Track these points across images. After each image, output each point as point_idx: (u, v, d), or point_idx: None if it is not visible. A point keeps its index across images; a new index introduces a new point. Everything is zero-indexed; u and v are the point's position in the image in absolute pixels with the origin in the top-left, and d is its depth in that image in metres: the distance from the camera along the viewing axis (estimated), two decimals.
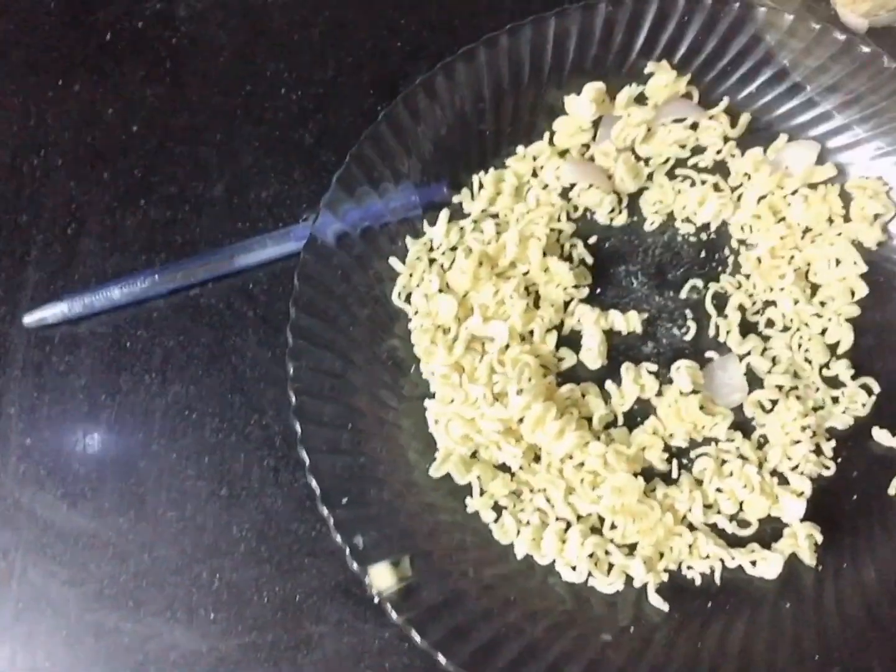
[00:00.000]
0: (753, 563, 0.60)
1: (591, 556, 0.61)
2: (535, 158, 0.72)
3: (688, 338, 0.67)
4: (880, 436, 0.63)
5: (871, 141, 0.69)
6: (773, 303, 0.67)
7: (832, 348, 0.66)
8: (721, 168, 0.71)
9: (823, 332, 0.66)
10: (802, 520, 0.60)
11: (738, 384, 0.65)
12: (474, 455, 0.64)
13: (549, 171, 0.71)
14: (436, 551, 0.60)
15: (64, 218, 0.75)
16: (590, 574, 0.60)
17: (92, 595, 0.65)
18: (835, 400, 0.64)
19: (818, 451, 0.63)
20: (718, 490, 0.62)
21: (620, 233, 0.71)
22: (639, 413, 0.65)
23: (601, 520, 0.62)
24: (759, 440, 0.64)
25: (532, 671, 0.56)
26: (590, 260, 0.69)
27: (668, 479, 0.63)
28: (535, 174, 0.72)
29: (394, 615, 0.57)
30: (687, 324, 0.67)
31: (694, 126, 0.71)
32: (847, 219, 0.68)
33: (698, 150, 0.72)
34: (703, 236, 0.70)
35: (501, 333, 0.65)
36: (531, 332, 0.67)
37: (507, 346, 0.65)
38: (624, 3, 0.71)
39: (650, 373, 0.66)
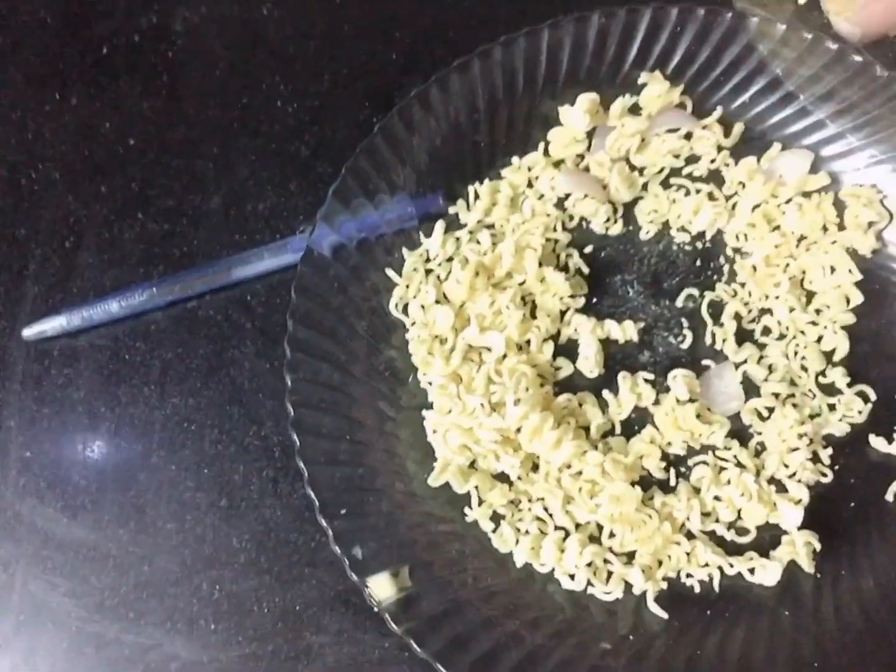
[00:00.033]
0: (752, 570, 0.60)
1: (589, 564, 0.61)
2: (530, 169, 0.72)
3: (684, 346, 0.67)
4: (877, 443, 0.63)
5: (864, 149, 0.69)
6: (769, 311, 0.68)
7: (828, 356, 0.66)
8: (715, 177, 0.71)
9: (819, 339, 0.66)
10: (800, 527, 0.61)
11: (735, 392, 0.65)
12: (473, 465, 0.64)
13: (545, 181, 0.71)
14: (435, 561, 0.60)
15: (62, 231, 0.75)
16: (589, 582, 0.60)
17: (92, 606, 0.65)
18: (831, 407, 0.65)
19: (815, 458, 0.63)
20: (716, 498, 0.62)
21: (616, 242, 0.71)
22: (636, 422, 0.66)
23: (600, 528, 0.62)
24: (756, 448, 0.64)
25: None
26: (586, 270, 0.70)
27: (666, 487, 0.64)
28: (530, 185, 0.72)
29: (393, 625, 0.57)
30: (683, 332, 0.68)
31: (688, 136, 0.71)
32: (841, 227, 0.69)
33: (692, 159, 0.72)
34: (699, 245, 0.70)
35: (498, 343, 0.65)
36: (528, 342, 0.67)
37: (504, 356, 0.65)
38: (617, 15, 0.71)
39: (647, 381, 0.66)
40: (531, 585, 0.61)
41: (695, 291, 0.69)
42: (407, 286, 0.68)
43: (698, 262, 0.70)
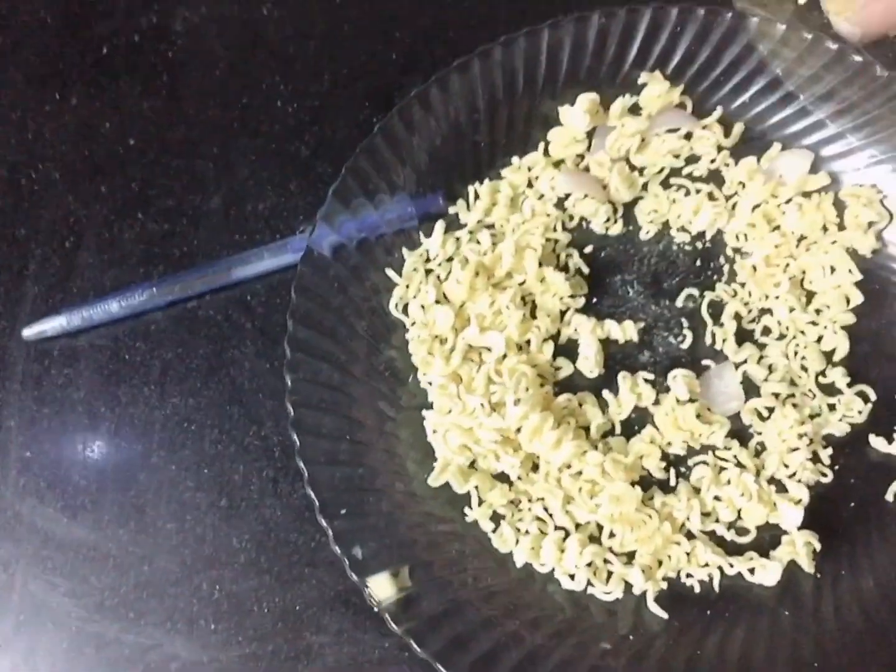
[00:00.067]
0: (752, 570, 0.60)
1: (589, 564, 0.61)
2: (530, 169, 0.72)
3: (684, 346, 0.67)
4: (877, 443, 0.63)
5: (864, 149, 0.69)
6: (769, 311, 0.68)
7: (828, 356, 0.66)
8: (715, 177, 0.71)
9: (819, 339, 0.66)
10: (800, 527, 0.61)
11: (735, 392, 0.65)
12: (472, 465, 0.64)
13: (545, 181, 0.71)
14: (435, 561, 0.60)
15: (62, 231, 0.75)
16: (589, 582, 0.60)
17: (92, 606, 0.65)
18: (831, 407, 0.65)
19: (815, 458, 0.63)
20: (716, 498, 0.62)
21: (616, 242, 0.71)
22: (636, 422, 0.66)
23: (600, 528, 0.62)
24: (756, 448, 0.64)
25: None
26: (586, 270, 0.70)
27: (665, 487, 0.64)
28: (530, 185, 0.72)
29: (393, 625, 0.57)
30: (683, 332, 0.68)
31: (688, 136, 0.71)
32: (841, 227, 0.69)
33: (692, 159, 0.72)
34: (699, 245, 0.70)
35: (498, 343, 0.65)
36: (528, 342, 0.67)
37: (504, 356, 0.65)
38: (617, 15, 0.71)
39: (647, 381, 0.66)
40: (531, 585, 0.61)
41: (695, 291, 0.69)
42: (407, 286, 0.68)
43: (698, 262, 0.70)
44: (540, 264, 0.68)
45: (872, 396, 0.65)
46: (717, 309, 0.68)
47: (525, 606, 0.60)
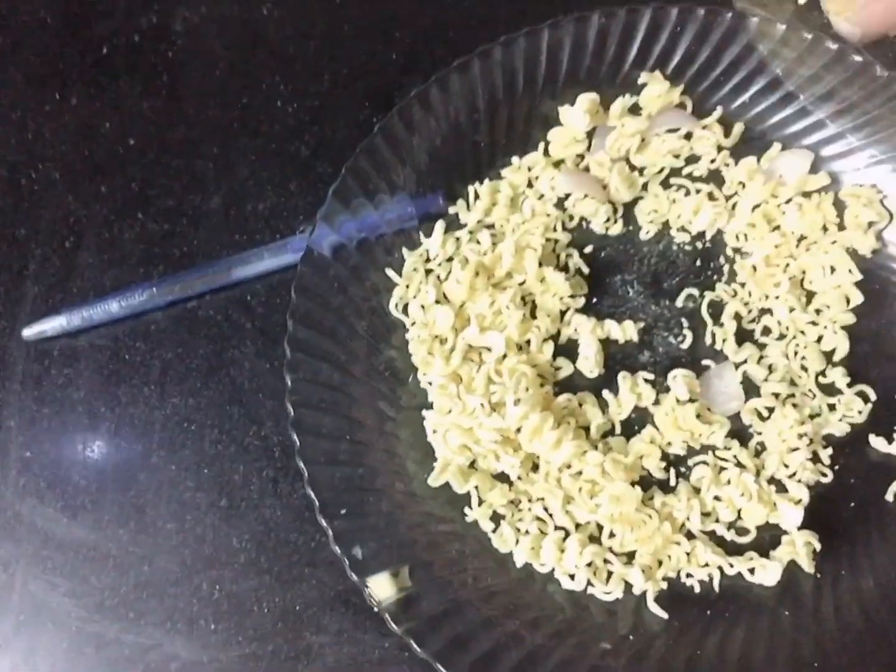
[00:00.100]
0: (752, 570, 0.60)
1: (589, 564, 0.61)
2: (530, 169, 0.72)
3: (684, 346, 0.67)
4: (877, 443, 0.63)
5: (864, 149, 0.69)
6: (769, 311, 0.68)
7: (828, 356, 0.66)
8: (715, 177, 0.71)
9: (819, 339, 0.66)
10: (800, 527, 0.61)
11: (735, 392, 0.65)
12: (472, 465, 0.64)
13: (545, 181, 0.71)
14: (435, 561, 0.60)
15: (62, 231, 0.75)
16: (589, 582, 0.60)
17: (92, 606, 0.65)
18: (831, 407, 0.65)
19: (815, 458, 0.63)
20: (716, 498, 0.62)
21: (616, 242, 0.71)
22: (636, 422, 0.66)
23: (600, 528, 0.62)
24: (756, 448, 0.64)
25: None
26: (586, 269, 0.70)
27: (665, 487, 0.64)
28: (530, 185, 0.72)
29: (393, 625, 0.57)
30: (683, 332, 0.68)
31: (688, 136, 0.71)
32: (841, 227, 0.69)
33: (692, 159, 0.72)
34: (699, 245, 0.70)
35: (498, 343, 0.65)
36: (528, 342, 0.67)
37: (504, 356, 0.65)
38: (617, 15, 0.71)
39: (647, 381, 0.66)
40: (531, 585, 0.61)
41: (695, 291, 0.69)
42: (407, 286, 0.68)
43: (698, 262, 0.70)
44: (540, 264, 0.68)
45: (872, 396, 0.65)
46: (717, 309, 0.68)
47: (525, 606, 0.60)
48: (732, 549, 0.61)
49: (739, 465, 0.63)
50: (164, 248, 0.74)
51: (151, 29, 0.82)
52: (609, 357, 0.67)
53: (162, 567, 0.65)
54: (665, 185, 0.71)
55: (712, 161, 0.71)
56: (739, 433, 0.65)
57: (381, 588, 0.58)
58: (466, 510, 0.63)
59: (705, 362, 0.67)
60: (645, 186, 0.72)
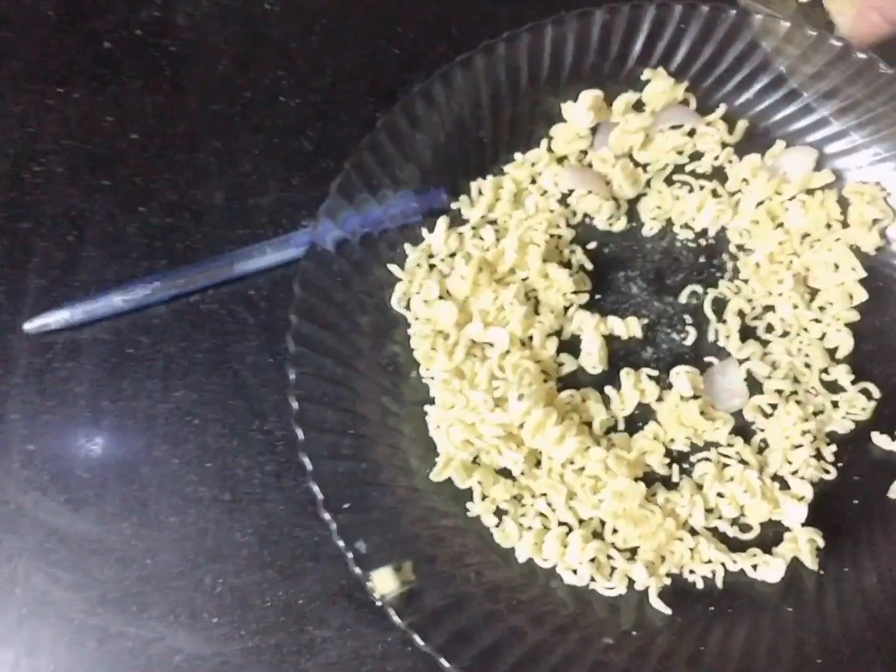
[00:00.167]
0: (755, 567, 0.60)
1: (592, 560, 0.61)
2: (533, 165, 0.72)
3: (687, 343, 0.68)
4: (880, 440, 0.64)
5: (868, 146, 0.69)
6: (773, 308, 0.68)
7: (832, 353, 0.66)
8: (719, 174, 0.71)
9: (823, 336, 0.67)
10: (804, 524, 0.61)
11: (738, 389, 0.65)
12: (475, 460, 0.64)
13: (548, 177, 0.71)
14: (438, 556, 0.60)
15: (64, 225, 0.75)
16: (592, 578, 0.60)
17: (95, 600, 0.65)
18: (835, 404, 0.65)
19: (819, 455, 0.63)
20: (719, 494, 0.62)
21: (619, 238, 0.71)
22: (639, 418, 0.66)
23: (602, 524, 0.62)
24: (759, 445, 0.64)
25: None
26: (589, 266, 0.70)
27: (669, 483, 0.64)
28: (533, 181, 0.72)
29: (396, 619, 0.57)
30: (686, 329, 0.68)
31: (691, 132, 0.72)
32: (845, 224, 0.69)
33: (696, 156, 0.72)
34: (702, 242, 0.70)
35: (501, 339, 0.65)
36: (531, 338, 0.67)
37: (508, 352, 0.65)
38: (621, 11, 0.71)
39: (650, 378, 0.66)
40: (534, 581, 0.61)
41: (698, 288, 0.69)
42: (410, 281, 0.68)
43: (702, 259, 0.70)
44: (543, 260, 0.68)
45: (876, 394, 0.65)
46: (720, 306, 0.68)
47: (528, 601, 0.60)
48: (735, 546, 0.61)
49: (743, 461, 0.63)
50: (166, 242, 0.74)
51: (154, 23, 0.82)
52: (612, 353, 0.67)
53: (165, 560, 0.65)
54: (668, 181, 0.72)
55: (716, 158, 0.71)
56: (743, 430, 0.65)
57: (384, 582, 0.58)
58: (469, 505, 0.63)
59: (708, 359, 0.67)
60: (648, 183, 0.72)
